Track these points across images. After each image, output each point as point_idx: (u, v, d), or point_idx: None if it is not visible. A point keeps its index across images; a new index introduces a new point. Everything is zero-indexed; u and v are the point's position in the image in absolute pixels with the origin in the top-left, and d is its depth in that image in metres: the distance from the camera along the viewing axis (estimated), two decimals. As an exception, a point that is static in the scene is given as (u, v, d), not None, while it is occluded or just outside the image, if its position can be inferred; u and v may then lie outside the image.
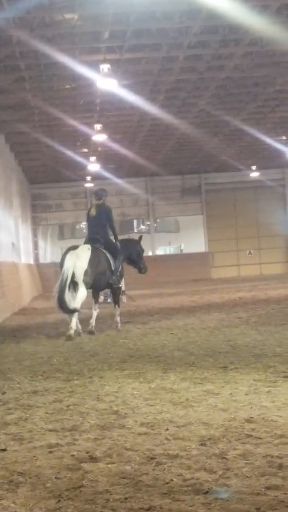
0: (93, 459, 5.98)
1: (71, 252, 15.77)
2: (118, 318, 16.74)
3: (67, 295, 15.26)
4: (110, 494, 5.10)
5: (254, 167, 50.63)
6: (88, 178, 49.36)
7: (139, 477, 5.44)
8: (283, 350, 11.55)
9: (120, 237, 17.72)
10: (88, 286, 15.84)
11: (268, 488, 5.06)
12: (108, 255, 16.38)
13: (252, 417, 7.07)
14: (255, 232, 54.12)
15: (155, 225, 54.96)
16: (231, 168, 50.83)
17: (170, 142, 40.92)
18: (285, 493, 4.93)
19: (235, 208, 54.05)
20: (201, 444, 6.23)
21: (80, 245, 16.35)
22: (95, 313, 16.44)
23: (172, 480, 5.34)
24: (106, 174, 46.85)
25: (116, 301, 17.02)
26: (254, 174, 51.49)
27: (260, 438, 6.34)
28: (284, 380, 8.97)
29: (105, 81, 23.44)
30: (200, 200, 53.87)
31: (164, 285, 42.38)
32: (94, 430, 6.96)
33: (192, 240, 54.83)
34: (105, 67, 22.93)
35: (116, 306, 16.92)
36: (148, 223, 55.18)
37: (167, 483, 5.28)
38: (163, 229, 58.60)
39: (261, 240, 54.22)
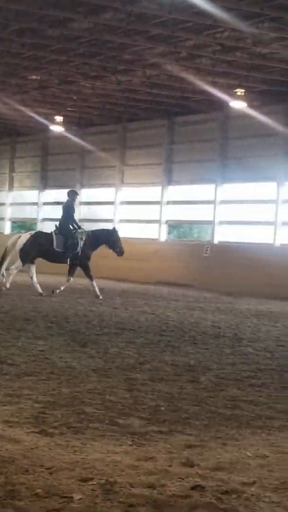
0: None
1: (17, 235, 21.06)
2: (62, 288, 20.60)
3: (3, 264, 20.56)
4: None
5: None
6: None
7: None
8: None
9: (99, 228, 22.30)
10: (25, 261, 20.30)
11: None
12: (57, 240, 20.46)
13: None
14: None
15: None
16: None
17: None
18: None
19: None
20: None
21: (29, 231, 22.25)
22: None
23: None
24: None
25: (71, 275, 20.94)
26: None
27: None
28: None
29: None
30: None
31: None
32: None
33: None
34: None
35: (69, 276, 20.90)
36: None
37: None
38: None
39: None
